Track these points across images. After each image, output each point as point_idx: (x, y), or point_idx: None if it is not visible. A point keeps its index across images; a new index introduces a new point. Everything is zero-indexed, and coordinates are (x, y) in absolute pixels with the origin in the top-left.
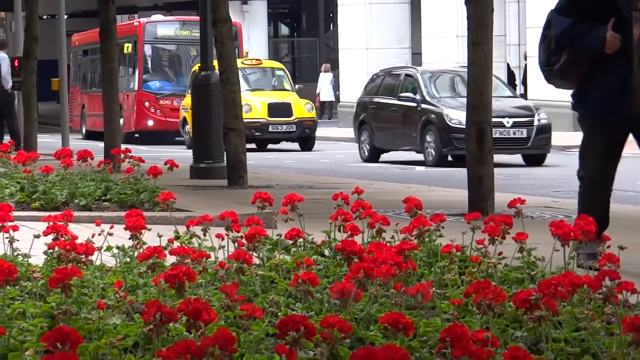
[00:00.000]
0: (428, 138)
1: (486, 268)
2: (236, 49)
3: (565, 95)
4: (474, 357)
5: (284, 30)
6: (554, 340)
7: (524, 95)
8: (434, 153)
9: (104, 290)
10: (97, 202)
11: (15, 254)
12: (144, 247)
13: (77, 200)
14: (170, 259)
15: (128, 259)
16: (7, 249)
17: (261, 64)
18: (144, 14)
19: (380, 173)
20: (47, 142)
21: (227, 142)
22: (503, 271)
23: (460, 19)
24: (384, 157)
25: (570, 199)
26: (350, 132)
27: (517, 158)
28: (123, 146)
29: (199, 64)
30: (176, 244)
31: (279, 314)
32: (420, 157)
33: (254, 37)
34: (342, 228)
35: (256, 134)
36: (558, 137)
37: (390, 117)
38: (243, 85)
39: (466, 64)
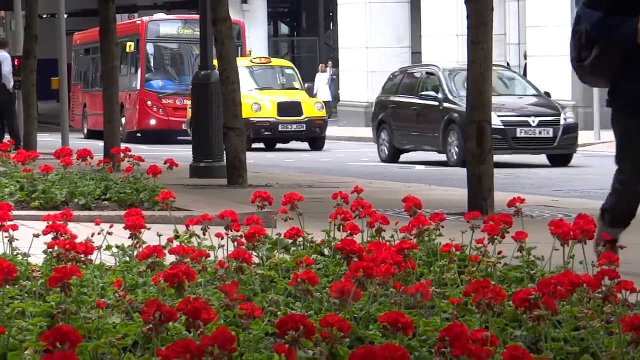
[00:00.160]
0: (451, 138)
1: (485, 267)
2: (239, 48)
3: (565, 95)
4: (473, 356)
5: (284, 29)
6: (553, 339)
7: (548, 94)
8: (456, 153)
9: (104, 289)
10: (97, 201)
11: (15, 253)
12: (144, 246)
13: (76, 200)
14: (170, 258)
15: (127, 258)
16: (6, 248)
17: (270, 62)
18: (143, 13)
19: (380, 172)
20: (47, 141)
21: (227, 141)
22: (502, 270)
23: (460, 18)
24: (404, 157)
25: (570, 198)
26: (350, 131)
27: (541, 158)
28: (125, 145)
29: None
30: (175, 243)
31: (279, 313)
32: (442, 157)
33: (254, 36)
34: (341, 227)
35: (265, 133)
36: None
37: (410, 117)
38: (252, 84)
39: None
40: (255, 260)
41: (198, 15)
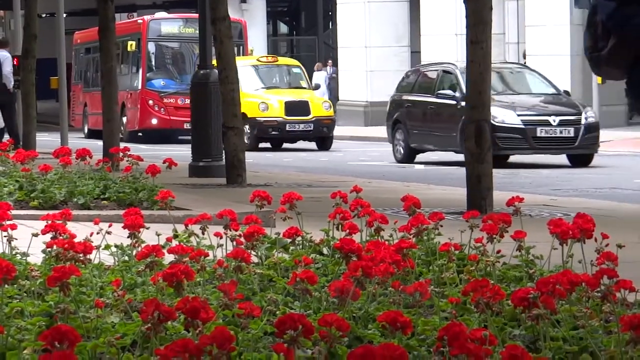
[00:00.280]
0: None
1: (484, 266)
2: (241, 47)
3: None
4: (472, 355)
5: (283, 28)
6: (552, 338)
7: (568, 92)
8: None
9: (102, 288)
10: (96, 201)
11: (14, 252)
12: (142, 245)
13: (75, 199)
14: (169, 258)
15: (126, 258)
16: (5, 247)
17: (277, 61)
18: (143, 12)
19: (378, 172)
20: (46, 140)
21: (226, 140)
22: (501, 269)
23: (459, 17)
24: (420, 157)
25: (569, 197)
26: (350, 131)
27: (561, 158)
28: (127, 145)
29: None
30: (174, 243)
31: (277, 312)
32: (459, 157)
33: (253, 35)
34: (340, 226)
35: (273, 132)
36: None
37: (427, 116)
38: (258, 83)
39: (496, 62)
40: (254, 259)
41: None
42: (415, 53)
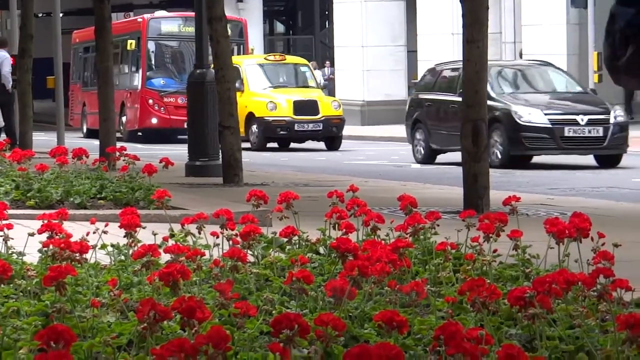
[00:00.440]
0: (494, 137)
1: (481, 266)
2: (241, 46)
3: None
4: (468, 354)
5: (280, 28)
6: (549, 337)
7: (595, 91)
8: (500, 154)
9: (98, 288)
10: (92, 200)
11: (10, 252)
12: (139, 245)
13: (72, 199)
14: (165, 257)
15: (122, 257)
16: (1, 247)
17: (285, 59)
18: (139, 12)
19: (375, 171)
20: (43, 140)
21: (223, 140)
22: (498, 269)
23: (455, 17)
24: (441, 158)
25: (566, 196)
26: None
27: (588, 159)
28: (126, 145)
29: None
30: (171, 242)
31: (273, 312)
32: None
33: (250, 34)
34: (337, 226)
35: (281, 132)
36: None
37: (449, 115)
38: (266, 82)
39: (509, 59)
40: (251, 259)
41: None
42: (411, 52)
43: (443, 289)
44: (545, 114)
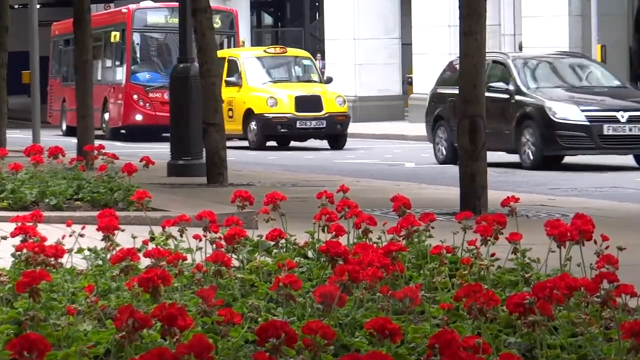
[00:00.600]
0: (526, 136)
1: (478, 270)
2: (232, 38)
3: None
4: None
5: (268, 20)
6: (549, 346)
7: (636, 85)
8: (533, 154)
9: (74, 294)
10: (69, 202)
11: None
12: (117, 249)
13: (47, 200)
14: (145, 262)
15: (100, 262)
16: None
17: (286, 52)
18: (120, 3)
19: (367, 170)
20: (18, 138)
21: (207, 137)
22: (496, 273)
23: (452, 8)
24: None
25: (567, 196)
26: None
27: (627, 159)
28: (108, 143)
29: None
30: (151, 246)
31: (259, 319)
32: (513, 158)
33: None
34: (326, 228)
35: (282, 130)
36: None
37: None
38: (265, 76)
39: (550, 52)
40: (235, 263)
41: None
42: (406, 45)
43: (438, 295)
44: (582, 111)
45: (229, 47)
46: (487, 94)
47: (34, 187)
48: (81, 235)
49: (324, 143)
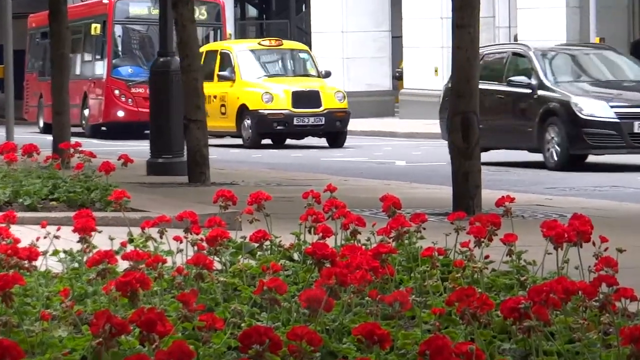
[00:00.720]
0: (550, 134)
1: (471, 273)
2: (218, 31)
3: None
4: None
5: (252, 12)
6: (546, 353)
7: None
8: (557, 153)
9: (49, 299)
10: (44, 202)
11: None
12: (94, 251)
13: (21, 200)
14: (123, 265)
15: (76, 265)
16: None
17: (282, 45)
18: None
19: (355, 169)
20: None
21: (188, 134)
22: (490, 277)
23: None
24: (484, 156)
25: (565, 196)
26: None
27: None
28: (87, 141)
29: (206, 45)
30: (129, 248)
31: (242, 324)
32: (536, 157)
33: None
34: (312, 229)
35: (278, 127)
36: None
37: (494, 108)
38: (260, 70)
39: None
40: (218, 266)
41: None
42: (396, 38)
43: (430, 299)
44: (612, 107)
45: (215, 39)
46: (507, 89)
47: (7, 187)
48: (56, 237)
49: (322, 141)
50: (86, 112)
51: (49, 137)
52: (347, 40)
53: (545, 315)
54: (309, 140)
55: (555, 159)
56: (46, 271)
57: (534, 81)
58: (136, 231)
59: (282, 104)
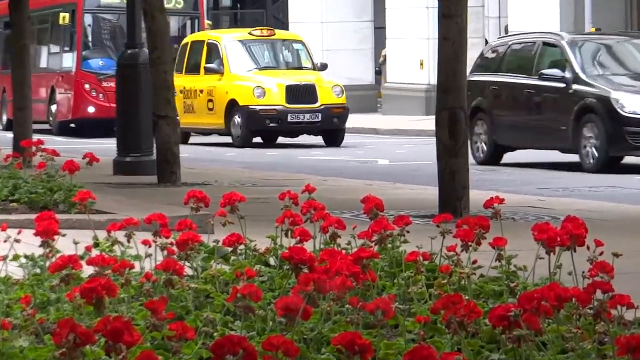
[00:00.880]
0: (586, 133)
1: (458, 279)
2: (196, 20)
3: None
4: None
5: (225, 1)
6: None
7: None
8: (595, 154)
9: (9, 307)
10: (4, 203)
11: None
12: (57, 255)
13: None
14: (88, 270)
15: (38, 270)
16: None
17: (274, 35)
18: None
19: (336, 167)
20: None
21: (157, 131)
22: (478, 283)
23: None
24: (509, 157)
25: (559, 197)
26: None
27: None
28: (55, 138)
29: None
30: (95, 253)
31: (215, 334)
32: (570, 158)
33: None
34: (289, 233)
35: (271, 124)
36: None
37: (523, 103)
38: (250, 62)
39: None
40: (188, 272)
41: None
42: (379, 29)
43: (414, 307)
44: None
45: (192, 30)
46: (537, 83)
47: None
48: (17, 241)
49: (318, 139)
50: (54, 107)
51: (11, 135)
52: (326, 31)
53: (537, 323)
54: (303, 139)
55: (593, 160)
56: (6, 277)
57: (568, 74)
58: (102, 234)
59: (275, 99)
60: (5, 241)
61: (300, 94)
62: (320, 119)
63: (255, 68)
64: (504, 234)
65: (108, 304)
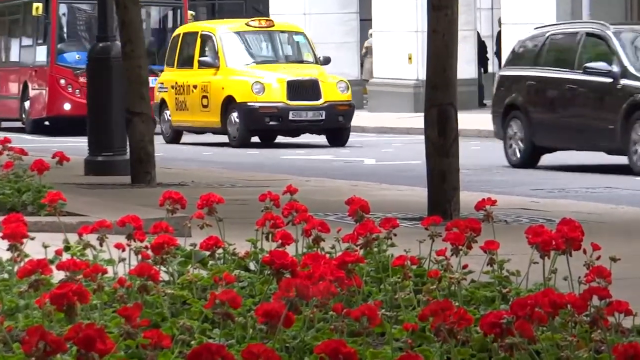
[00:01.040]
0: (638, 133)
1: (448, 285)
2: (179, 11)
3: None
4: None
5: None
6: None
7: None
8: None
9: None
10: None
11: None
12: (26, 260)
13: None
14: (58, 275)
15: (6, 275)
16: None
17: (273, 26)
18: None
19: (319, 167)
20: None
21: (131, 129)
22: (468, 288)
23: None
24: (548, 159)
25: (554, 198)
26: None
27: None
28: (28, 137)
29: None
30: (65, 257)
31: (192, 342)
32: (618, 160)
33: None
34: (270, 236)
35: (271, 123)
36: None
37: (564, 100)
38: (248, 56)
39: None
40: (164, 277)
41: None
42: (365, 21)
43: (401, 314)
44: None
45: (174, 21)
46: (581, 77)
47: None
48: None
49: (322, 139)
50: (27, 104)
51: None
52: (310, 23)
53: (530, 331)
54: (305, 138)
55: None
56: None
57: (616, 68)
58: (73, 238)
59: (275, 95)
60: None
61: (303, 90)
62: (324, 117)
63: (254, 62)
64: (496, 237)
65: (80, 311)
